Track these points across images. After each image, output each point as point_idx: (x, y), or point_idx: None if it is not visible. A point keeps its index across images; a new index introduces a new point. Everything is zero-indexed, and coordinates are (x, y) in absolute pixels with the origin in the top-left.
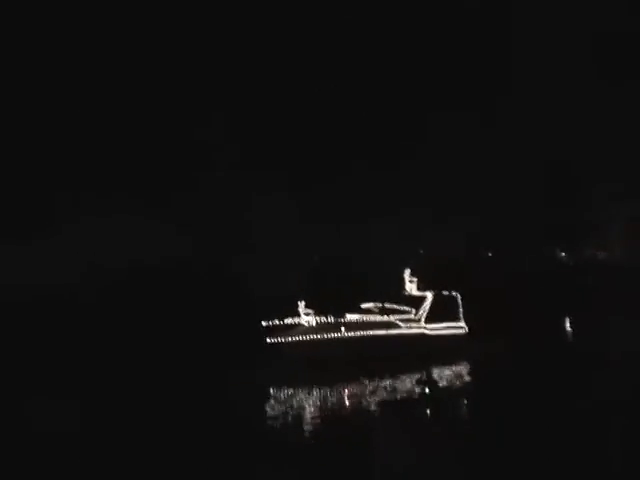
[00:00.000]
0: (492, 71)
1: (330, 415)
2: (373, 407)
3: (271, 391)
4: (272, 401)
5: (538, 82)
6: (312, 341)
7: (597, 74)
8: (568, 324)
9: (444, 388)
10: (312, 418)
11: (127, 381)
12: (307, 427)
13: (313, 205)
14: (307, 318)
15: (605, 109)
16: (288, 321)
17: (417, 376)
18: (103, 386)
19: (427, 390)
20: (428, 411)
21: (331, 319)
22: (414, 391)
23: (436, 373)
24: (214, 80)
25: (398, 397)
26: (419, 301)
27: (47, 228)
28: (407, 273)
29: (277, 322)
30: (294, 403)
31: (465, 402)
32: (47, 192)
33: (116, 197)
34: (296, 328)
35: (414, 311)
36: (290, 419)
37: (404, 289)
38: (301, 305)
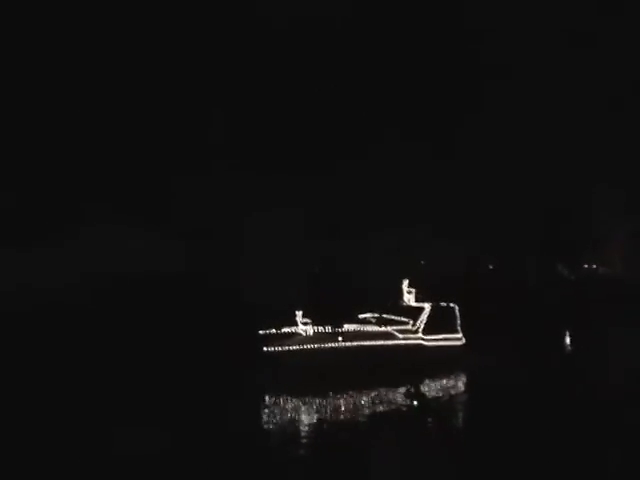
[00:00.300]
0: (490, 82)
1: (325, 425)
2: (367, 418)
3: (267, 399)
4: (268, 409)
5: (539, 94)
6: (309, 350)
7: (599, 89)
8: (568, 338)
9: (432, 400)
10: (307, 427)
11: (123, 388)
12: (302, 437)
13: (312, 215)
14: (304, 327)
15: (607, 122)
16: (285, 330)
17: (408, 388)
18: (99, 393)
19: (415, 403)
20: (415, 423)
21: (328, 329)
22: (403, 403)
23: (428, 385)
24: (214, 93)
25: (389, 409)
26: (417, 312)
27: (42, 237)
28: (405, 284)
29: (274, 331)
30: (290, 412)
31: (453, 416)
32: (43, 202)
33: (113, 206)
34: (293, 337)
35: (412, 322)
36: (285, 428)
37: (402, 300)
38: (299, 314)
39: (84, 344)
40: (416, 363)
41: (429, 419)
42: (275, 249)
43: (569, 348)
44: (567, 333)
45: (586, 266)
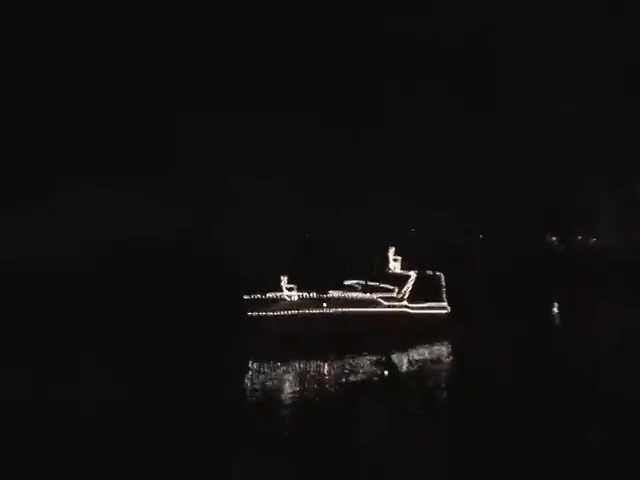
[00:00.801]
0: (488, 56)
1: (306, 391)
2: (346, 385)
3: (250, 365)
4: (250, 375)
5: (535, 70)
6: (293, 316)
7: (590, 66)
8: (556, 309)
9: (405, 370)
10: (288, 393)
11: (108, 354)
12: (283, 402)
13: (302, 183)
14: (289, 293)
15: (600, 97)
16: (270, 295)
17: (378, 357)
18: (83, 357)
19: (386, 372)
20: (385, 393)
21: (313, 295)
22: (375, 372)
23: (409, 354)
24: (205, 57)
25: (363, 377)
26: (402, 280)
27: (37, 202)
28: (391, 252)
29: (259, 296)
30: (272, 378)
31: (425, 386)
32: (39, 166)
33: (106, 173)
34: (278, 303)
35: (397, 289)
36: (267, 393)
37: (388, 267)
38: (284, 280)
39: (69, 309)
40: (400, 331)
41: (398, 389)
42: (265, 216)
43: (557, 320)
44: (555, 304)
45: (579, 237)
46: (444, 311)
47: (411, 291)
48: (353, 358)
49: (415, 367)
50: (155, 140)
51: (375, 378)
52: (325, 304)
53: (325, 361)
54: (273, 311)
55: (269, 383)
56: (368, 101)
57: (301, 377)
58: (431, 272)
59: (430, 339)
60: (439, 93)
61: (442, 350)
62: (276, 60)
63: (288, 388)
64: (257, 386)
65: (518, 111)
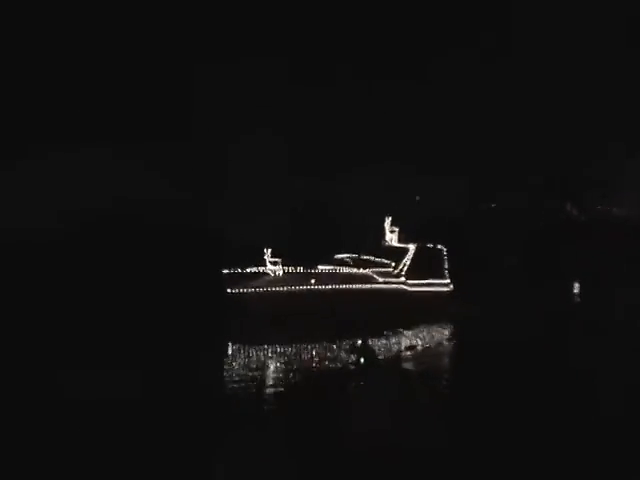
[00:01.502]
0: (496, 19)
1: (288, 377)
2: (322, 374)
3: (229, 349)
4: (228, 361)
5: (546, 33)
6: (277, 293)
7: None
8: (576, 287)
9: (387, 357)
10: (269, 376)
11: (86, 326)
12: (263, 383)
13: (295, 150)
14: (273, 267)
15: (621, 63)
16: (252, 270)
17: (353, 342)
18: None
19: (362, 359)
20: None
21: (300, 270)
22: (349, 359)
23: (401, 338)
24: (199, 19)
25: (337, 365)
26: (400, 253)
27: (19, 166)
28: (388, 222)
29: (240, 270)
30: (253, 360)
31: (409, 376)
32: (22, 129)
33: (93, 138)
34: (260, 278)
35: (394, 264)
36: (248, 375)
37: (384, 239)
38: (267, 253)
39: (48, 280)
40: (396, 310)
41: (372, 378)
42: (257, 185)
43: (575, 298)
44: (573, 282)
45: (599, 207)
46: (446, 288)
47: (409, 266)
48: (337, 341)
49: (403, 353)
50: (140, 104)
51: (351, 366)
52: (313, 280)
53: (309, 346)
54: (255, 288)
55: (247, 371)
56: (373, 62)
57: (285, 363)
58: (432, 245)
59: (430, 320)
60: (449, 55)
61: (442, 333)
62: (275, 22)
63: (267, 378)
64: (234, 375)
65: (534, 75)
